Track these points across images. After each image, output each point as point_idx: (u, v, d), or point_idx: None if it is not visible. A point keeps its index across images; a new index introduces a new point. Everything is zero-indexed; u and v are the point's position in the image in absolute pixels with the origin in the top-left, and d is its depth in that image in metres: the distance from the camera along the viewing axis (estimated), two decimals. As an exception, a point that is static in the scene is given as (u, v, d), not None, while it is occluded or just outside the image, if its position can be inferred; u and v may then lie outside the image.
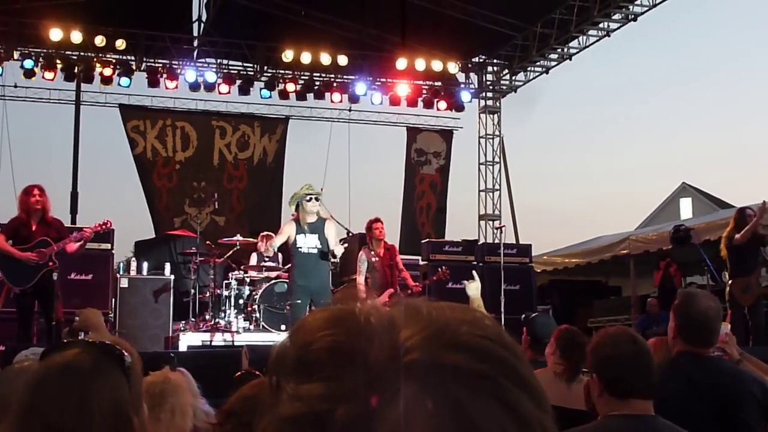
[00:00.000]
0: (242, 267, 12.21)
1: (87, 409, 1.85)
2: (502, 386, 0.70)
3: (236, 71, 17.56)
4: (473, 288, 5.78)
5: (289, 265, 12.19)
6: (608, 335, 3.17)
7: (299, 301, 9.71)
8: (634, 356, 3.03)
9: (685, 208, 33.18)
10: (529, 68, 18.68)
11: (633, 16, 15.94)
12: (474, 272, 6.68)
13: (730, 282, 10.29)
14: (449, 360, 0.70)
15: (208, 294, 11.93)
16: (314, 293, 9.69)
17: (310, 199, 9.74)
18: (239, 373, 3.57)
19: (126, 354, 2.00)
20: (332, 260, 10.08)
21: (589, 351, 3.20)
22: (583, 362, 4.27)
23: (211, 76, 17.02)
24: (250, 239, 12.86)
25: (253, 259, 12.40)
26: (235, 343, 10.79)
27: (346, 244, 10.35)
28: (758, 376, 3.95)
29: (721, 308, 4.12)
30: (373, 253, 11.02)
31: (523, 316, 5.53)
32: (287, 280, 11.84)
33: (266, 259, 12.31)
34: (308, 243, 9.74)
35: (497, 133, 19.53)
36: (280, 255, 12.55)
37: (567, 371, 4.46)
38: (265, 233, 12.87)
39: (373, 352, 0.70)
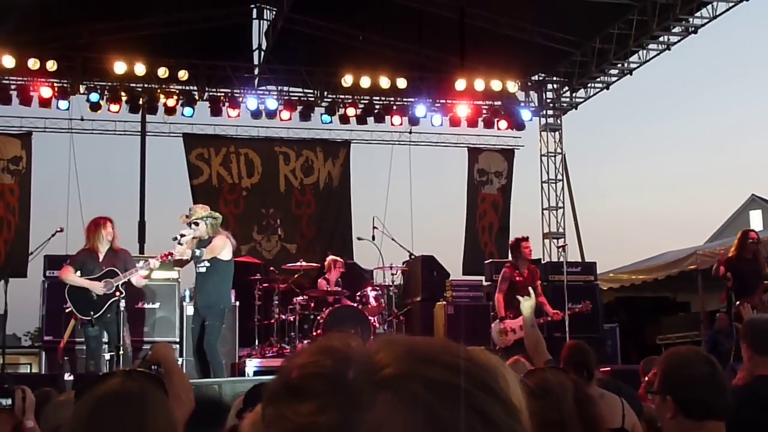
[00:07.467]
0: (305, 292, 12.13)
1: (145, 429, 1.89)
2: (473, 395, 0.76)
3: (297, 97, 17.70)
4: (527, 307, 5.65)
5: (343, 290, 12.13)
6: (681, 356, 3.10)
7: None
8: (711, 377, 2.97)
9: (755, 221, 32.50)
10: (589, 84, 18.52)
11: (693, 29, 15.68)
12: (530, 288, 6.62)
13: (737, 303, 10.42)
14: (423, 372, 0.76)
15: (273, 320, 11.99)
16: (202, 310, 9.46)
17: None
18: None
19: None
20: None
21: (662, 372, 3.13)
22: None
23: (272, 103, 17.18)
24: (313, 264, 12.91)
25: (322, 284, 12.31)
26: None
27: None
28: None
29: None
30: (517, 272, 10.50)
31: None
32: (353, 305, 11.84)
33: (335, 285, 12.25)
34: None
35: (559, 150, 19.39)
36: (340, 280, 12.51)
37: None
38: (332, 258, 12.88)
39: (351, 373, 0.77)
